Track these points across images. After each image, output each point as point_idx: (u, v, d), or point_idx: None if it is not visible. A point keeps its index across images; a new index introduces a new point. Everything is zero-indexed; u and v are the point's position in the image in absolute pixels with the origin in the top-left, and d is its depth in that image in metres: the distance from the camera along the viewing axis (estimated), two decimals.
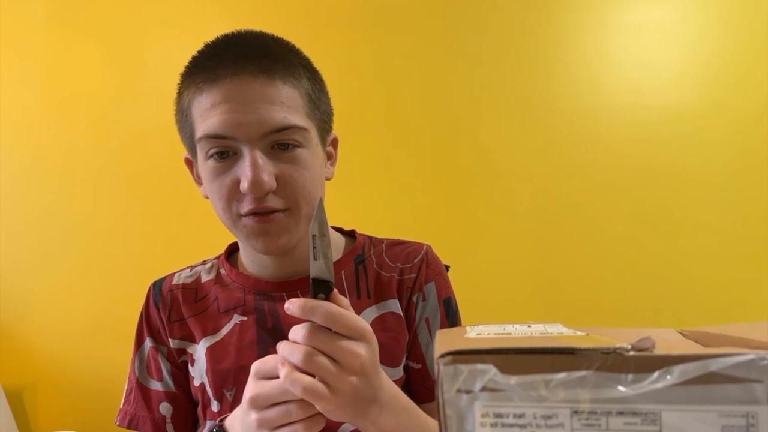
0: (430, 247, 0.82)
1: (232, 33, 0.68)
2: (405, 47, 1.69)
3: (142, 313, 0.80)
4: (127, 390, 0.79)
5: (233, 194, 0.65)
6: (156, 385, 0.77)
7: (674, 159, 1.65)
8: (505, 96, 1.71)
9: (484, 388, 0.30)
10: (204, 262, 0.84)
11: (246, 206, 0.65)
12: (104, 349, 1.65)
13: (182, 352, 0.77)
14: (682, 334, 0.46)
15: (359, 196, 1.69)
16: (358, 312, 0.75)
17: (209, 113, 0.64)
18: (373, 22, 1.69)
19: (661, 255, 1.63)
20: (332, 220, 0.63)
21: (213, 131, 0.64)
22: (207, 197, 0.72)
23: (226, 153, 0.65)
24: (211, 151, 0.65)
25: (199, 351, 0.75)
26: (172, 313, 0.78)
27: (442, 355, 0.31)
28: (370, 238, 0.83)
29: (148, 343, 0.78)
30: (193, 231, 1.67)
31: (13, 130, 1.78)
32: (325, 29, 1.63)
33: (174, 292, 0.79)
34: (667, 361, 0.31)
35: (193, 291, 0.79)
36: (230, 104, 0.63)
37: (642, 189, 1.65)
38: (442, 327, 0.77)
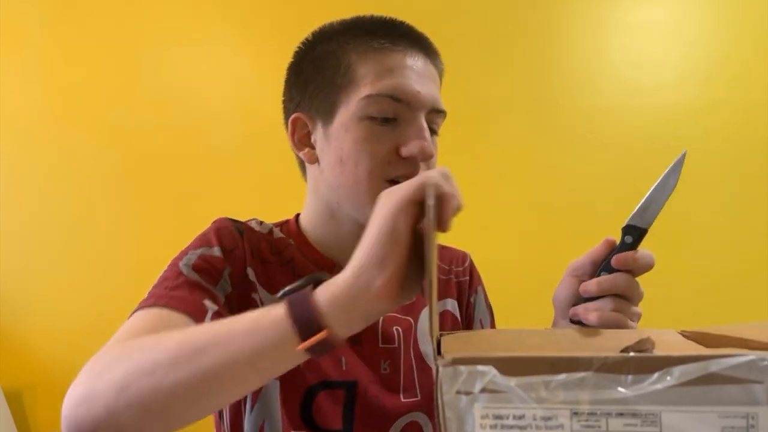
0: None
1: (386, 17, 0.71)
2: None
3: (208, 231, 0.69)
4: (153, 286, 0.65)
5: (388, 157, 0.65)
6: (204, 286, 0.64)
7: (673, 158, 1.64)
8: (504, 96, 1.70)
9: (483, 390, 0.30)
10: (262, 223, 0.75)
11: (399, 170, 0.65)
12: None
13: (251, 289, 0.67)
14: (683, 335, 0.46)
15: None
16: (421, 309, 0.75)
17: (388, 75, 0.65)
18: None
19: (661, 255, 1.62)
20: None
21: (391, 92, 0.64)
22: (311, 161, 0.70)
23: (388, 119, 0.65)
24: (375, 113, 0.64)
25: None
26: (254, 250, 0.69)
27: (442, 357, 0.31)
28: None
29: (216, 251, 0.66)
30: (194, 231, 1.66)
31: (13, 131, 1.77)
32: None
33: (256, 233, 0.71)
34: (666, 362, 0.31)
35: (269, 242, 0.72)
36: (412, 72, 0.66)
37: (642, 188, 1.64)
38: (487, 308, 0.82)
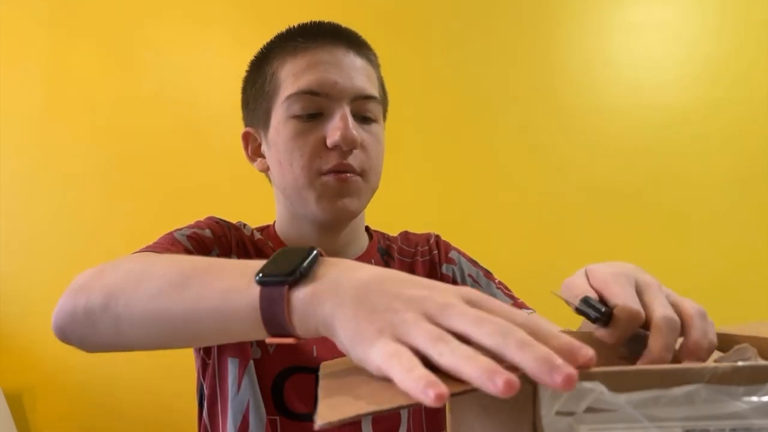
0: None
1: (313, 20, 0.73)
2: (406, 47, 1.66)
3: (198, 221, 0.72)
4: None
5: (317, 151, 0.67)
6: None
7: (675, 158, 1.63)
8: (505, 95, 1.68)
9: (588, 409, 0.27)
10: (245, 225, 0.79)
11: (330, 162, 0.66)
12: None
13: None
14: None
15: None
16: None
17: (305, 72, 0.67)
18: (376, 21, 1.66)
19: (662, 255, 1.62)
20: None
21: (309, 87, 0.66)
22: (263, 170, 0.75)
23: (313, 114, 0.67)
24: (299, 111, 0.67)
25: None
26: (239, 244, 0.73)
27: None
28: (381, 232, 0.85)
29: (207, 232, 0.70)
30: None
31: (14, 133, 1.73)
32: None
33: (240, 231, 0.75)
34: None
35: (251, 242, 0.75)
36: (327, 66, 0.67)
37: (643, 188, 1.64)
38: (487, 278, 0.81)
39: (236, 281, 0.41)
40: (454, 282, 0.79)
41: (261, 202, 1.76)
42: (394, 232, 0.86)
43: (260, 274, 0.39)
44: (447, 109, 1.68)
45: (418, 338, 0.31)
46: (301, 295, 0.37)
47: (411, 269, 0.79)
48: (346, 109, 0.67)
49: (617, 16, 1.66)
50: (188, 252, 0.66)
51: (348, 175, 0.67)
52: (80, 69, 1.73)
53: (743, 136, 1.61)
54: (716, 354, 0.40)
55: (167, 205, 1.70)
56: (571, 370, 0.26)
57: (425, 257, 0.81)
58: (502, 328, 0.30)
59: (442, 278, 0.80)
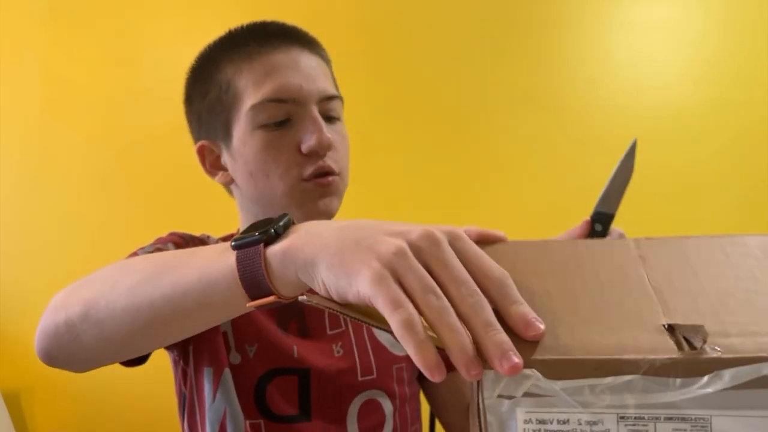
0: None
1: (256, 21, 0.72)
2: (407, 47, 1.67)
3: (161, 239, 0.71)
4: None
5: (293, 158, 0.65)
6: None
7: (676, 158, 1.63)
8: (506, 95, 1.68)
9: (526, 394, 0.29)
10: (210, 236, 0.78)
11: (309, 168, 0.65)
12: None
13: None
14: None
15: (358, 195, 1.67)
16: None
17: (265, 80, 0.65)
18: (377, 21, 1.67)
19: None
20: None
21: (273, 95, 0.64)
22: (227, 183, 0.72)
23: (280, 122, 0.65)
24: (266, 119, 0.65)
25: None
26: None
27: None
28: None
29: (170, 247, 0.69)
30: (196, 231, 1.65)
31: (12, 130, 1.75)
32: (332, 29, 1.61)
33: (204, 243, 0.73)
34: (717, 365, 0.29)
35: None
36: (288, 71, 0.65)
37: (644, 188, 1.63)
38: None
39: (213, 256, 0.41)
40: None
41: None
42: None
43: (234, 242, 0.39)
44: (447, 108, 1.68)
45: (408, 277, 0.32)
46: (277, 248, 0.37)
47: None
48: (315, 112, 0.66)
49: (618, 16, 1.66)
50: None
51: (330, 178, 0.67)
52: (78, 67, 1.74)
53: (745, 136, 1.61)
54: None
55: (167, 204, 1.71)
56: (518, 361, 0.28)
57: None
58: (476, 301, 0.31)
59: None
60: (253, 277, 0.38)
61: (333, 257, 0.34)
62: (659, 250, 0.41)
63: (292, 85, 0.65)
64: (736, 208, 1.62)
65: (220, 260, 0.40)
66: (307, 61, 0.68)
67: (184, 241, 0.71)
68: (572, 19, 1.68)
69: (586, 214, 1.79)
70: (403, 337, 0.30)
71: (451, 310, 0.31)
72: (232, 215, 0.77)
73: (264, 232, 0.38)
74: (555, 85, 1.67)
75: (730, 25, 1.64)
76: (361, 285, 0.32)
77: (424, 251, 0.33)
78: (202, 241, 0.74)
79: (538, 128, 1.67)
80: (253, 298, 0.39)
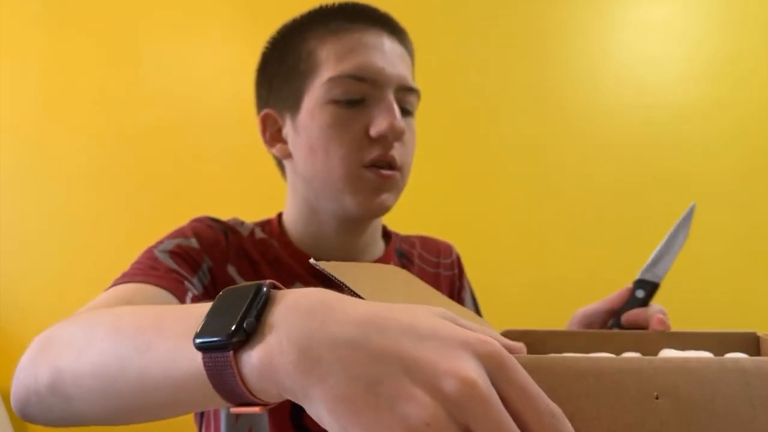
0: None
1: (349, 1, 0.68)
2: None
3: (183, 226, 0.67)
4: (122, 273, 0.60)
5: (359, 141, 0.62)
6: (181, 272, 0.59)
7: (678, 158, 1.63)
8: (507, 94, 1.68)
9: None
10: (243, 222, 0.72)
11: (373, 153, 0.62)
12: None
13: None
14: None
15: None
16: None
17: (349, 55, 0.62)
18: None
19: None
20: None
21: (353, 71, 0.62)
22: (284, 156, 0.69)
23: (354, 101, 0.62)
24: (340, 95, 0.62)
25: None
26: (239, 249, 0.66)
27: None
28: (396, 232, 0.82)
29: (193, 242, 0.63)
30: None
31: (11, 130, 1.74)
32: None
33: (238, 233, 0.69)
34: None
35: (252, 243, 0.69)
36: (373, 51, 0.63)
37: (645, 188, 1.63)
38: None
39: (180, 345, 0.32)
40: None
41: (260, 201, 1.78)
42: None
43: (197, 338, 0.30)
44: (448, 108, 1.68)
45: None
46: (253, 360, 0.28)
47: (435, 281, 0.77)
48: (392, 98, 0.63)
49: (620, 15, 1.66)
50: (172, 273, 0.58)
51: (390, 172, 0.64)
52: (77, 67, 1.74)
53: (747, 135, 1.60)
54: None
55: (166, 203, 1.70)
56: None
57: (448, 272, 0.79)
58: None
59: (460, 300, 0.79)
60: (230, 389, 0.29)
61: (339, 405, 0.26)
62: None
63: (374, 65, 0.62)
64: (739, 207, 1.61)
65: (187, 356, 0.31)
66: (394, 47, 0.66)
67: (212, 233, 0.66)
68: (573, 19, 1.68)
69: (586, 214, 1.79)
70: None
71: None
72: (231, 214, 0.75)
73: (231, 334, 0.29)
74: (555, 85, 1.67)
75: (730, 25, 1.63)
76: None
77: (465, 412, 0.25)
78: (234, 231, 0.69)
79: (538, 128, 1.67)
80: (236, 405, 0.31)
